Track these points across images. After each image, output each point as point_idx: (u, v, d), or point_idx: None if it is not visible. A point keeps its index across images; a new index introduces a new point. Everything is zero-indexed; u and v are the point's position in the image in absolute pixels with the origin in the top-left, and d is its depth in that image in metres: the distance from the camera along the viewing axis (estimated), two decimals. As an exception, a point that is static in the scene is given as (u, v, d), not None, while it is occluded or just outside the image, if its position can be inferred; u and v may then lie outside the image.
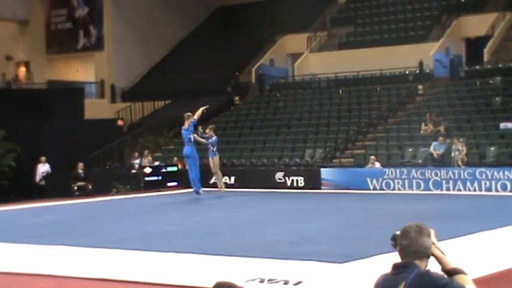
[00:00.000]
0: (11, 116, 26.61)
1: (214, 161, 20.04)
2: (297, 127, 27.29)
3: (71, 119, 28.20)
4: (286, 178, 22.78)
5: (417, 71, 27.69)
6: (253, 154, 26.17)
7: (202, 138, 19.40)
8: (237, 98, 31.97)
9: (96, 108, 32.46)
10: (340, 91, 29.12)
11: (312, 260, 8.22)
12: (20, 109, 27.49)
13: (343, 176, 22.16)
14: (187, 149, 18.75)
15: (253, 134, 27.96)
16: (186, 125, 18.71)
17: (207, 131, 19.89)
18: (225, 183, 23.22)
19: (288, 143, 26.38)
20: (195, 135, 18.66)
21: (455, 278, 3.42)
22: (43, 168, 24.77)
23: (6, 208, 17.97)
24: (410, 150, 22.82)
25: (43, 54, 37.13)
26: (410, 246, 3.50)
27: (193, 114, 19.36)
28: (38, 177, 24.68)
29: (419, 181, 20.62)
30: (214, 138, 19.82)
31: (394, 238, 3.58)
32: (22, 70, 37.70)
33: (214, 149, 19.90)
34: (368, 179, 21.39)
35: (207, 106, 20.14)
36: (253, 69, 32.96)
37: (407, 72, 28.15)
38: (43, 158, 24.69)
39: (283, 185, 22.51)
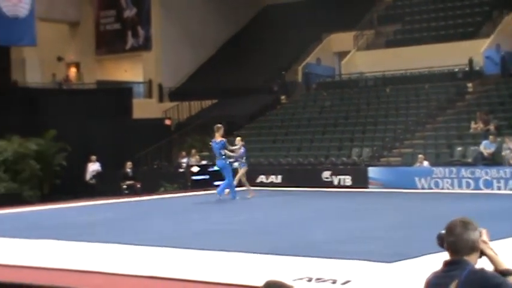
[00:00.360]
0: (62, 115, 27.08)
1: (242, 170, 19.93)
2: (344, 126, 27.17)
3: (120, 119, 28.56)
4: (333, 177, 22.71)
5: (467, 69, 27.31)
6: (300, 153, 26.15)
7: (231, 151, 19.24)
8: (283, 97, 31.96)
9: (144, 108, 32.79)
10: (388, 89, 28.88)
11: (360, 260, 8.19)
12: (70, 109, 27.95)
13: (391, 175, 22.00)
14: (219, 162, 18.78)
15: (299, 132, 27.91)
16: (216, 138, 18.56)
17: (236, 142, 19.90)
18: (272, 182, 23.34)
19: (335, 141, 26.28)
20: (225, 150, 18.54)
21: (509, 279, 3.38)
22: (93, 167, 25.13)
23: (57, 206, 18.30)
24: (459, 149, 22.53)
25: (92, 55, 37.65)
26: (457, 242, 3.46)
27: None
28: (88, 176, 25.06)
29: (469, 180, 20.35)
30: (243, 150, 19.76)
31: (439, 237, 3.56)
32: (72, 71, 38.30)
33: (243, 160, 19.87)
34: (416, 178, 21.20)
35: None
36: (300, 68, 32.91)
37: (456, 69, 27.78)
38: (93, 157, 25.05)
39: (330, 184, 22.44)
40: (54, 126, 25.00)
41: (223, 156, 18.54)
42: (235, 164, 19.57)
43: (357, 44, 32.41)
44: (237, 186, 19.42)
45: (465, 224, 3.49)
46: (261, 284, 3.23)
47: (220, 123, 19.37)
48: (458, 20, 31.18)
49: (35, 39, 27.80)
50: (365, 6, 34.97)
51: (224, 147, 18.45)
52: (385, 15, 34.14)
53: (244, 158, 19.99)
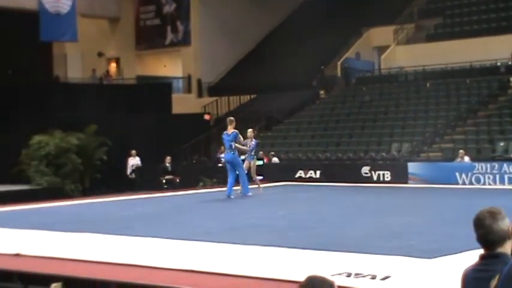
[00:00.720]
0: (103, 110, 27.39)
1: (251, 165, 19.25)
2: (383, 121, 27.00)
3: (159, 114, 28.80)
4: (373, 172, 22.58)
5: (509, 63, 26.93)
6: (339, 148, 26.06)
7: (243, 145, 18.30)
8: (322, 92, 31.88)
9: (183, 103, 33.00)
10: (428, 84, 28.62)
11: (400, 255, 8.13)
12: (110, 104, 28.28)
13: (431, 170, 21.81)
14: (228, 156, 17.93)
15: (338, 128, 27.81)
16: (228, 131, 17.89)
17: (248, 134, 19.00)
18: (311, 177, 23.27)
19: (374, 137, 26.13)
20: (236, 144, 17.79)
21: None
22: (133, 161, 25.37)
23: (98, 200, 18.50)
24: (501, 144, 22.24)
25: (132, 50, 37.98)
26: (488, 234, 3.41)
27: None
28: (128, 171, 25.31)
29: None
30: (254, 142, 19.00)
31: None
32: (113, 66, 38.69)
33: (253, 153, 19.16)
34: (457, 174, 20.98)
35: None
36: (339, 63, 32.78)
37: (498, 64, 27.41)
38: (133, 152, 25.29)
39: (369, 180, 22.33)
40: (95, 121, 25.30)
41: (234, 150, 17.78)
42: (242, 156, 18.62)
43: (396, 39, 32.16)
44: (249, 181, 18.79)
45: (493, 215, 3.44)
46: (301, 279, 3.23)
47: (232, 117, 18.83)
48: (501, 13, 30.75)
49: (76, 35, 28.17)
50: (405, 0, 34.67)
51: (236, 138, 17.75)
52: (425, 9, 33.82)
53: (254, 150, 19.25)
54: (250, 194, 18.08)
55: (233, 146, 17.80)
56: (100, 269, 7.90)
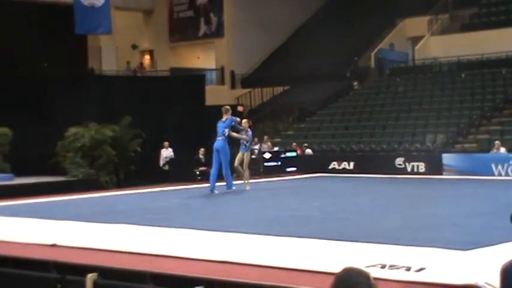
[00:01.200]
0: (137, 102, 27.54)
1: (245, 157, 18.03)
2: (417, 112, 26.81)
3: (193, 105, 28.88)
4: (407, 164, 22.45)
5: (546, 52, 26.56)
6: (373, 139, 25.94)
7: (238, 132, 17.56)
8: (355, 83, 31.75)
9: (216, 95, 33.07)
10: (463, 75, 28.34)
11: (434, 247, 8.08)
12: (145, 96, 28.42)
13: (466, 161, 21.61)
14: (218, 143, 17.02)
15: (372, 119, 27.68)
16: (223, 118, 17.10)
17: (243, 124, 17.92)
18: (344, 168, 23.20)
19: (408, 128, 25.96)
20: (233, 132, 17.10)
21: None
22: (166, 153, 25.50)
23: (133, 192, 18.66)
24: (538, 135, 21.96)
25: (166, 42, 38.16)
26: None
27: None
28: (161, 162, 25.43)
29: (548, 167, 19.84)
30: (250, 133, 18.04)
31: None
32: (146, 58, 38.92)
33: (247, 144, 17.98)
34: (493, 165, 20.77)
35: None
36: (373, 54, 32.59)
37: (535, 53, 27.06)
38: (166, 143, 25.42)
39: (403, 171, 22.21)
40: (129, 113, 25.45)
41: (225, 137, 16.92)
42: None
43: (431, 29, 31.88)
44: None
45: None
46: (336, 270, 3.23)
47: (228, 106, 18.16)
48: (538, 2, 30.30)
49: (111, 28, 28.34)
50: (440, -10, 34.34)
51: (231, 125, 16.89)
52: (461, -1, 33.46)
53: (249, 142, 18.14)
54: (234, 188, 17.31)
55: (226, 133, 16.92)
56: (135, 260, 7.97)
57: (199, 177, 23.75)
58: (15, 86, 25.90)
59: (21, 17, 30.92)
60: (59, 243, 9.23)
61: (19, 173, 22.72)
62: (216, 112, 29.42)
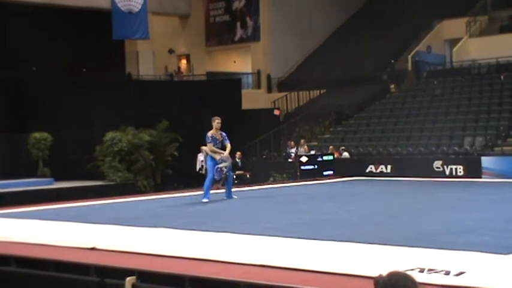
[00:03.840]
0: (174, 107, 27.74)
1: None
2: (455, 115, 26.56)
3: (229, 109, 28.99)
4: (445, 167, 22.25)
5: None
6: (410, 142, 25.75)
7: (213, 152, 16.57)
8: (392, 86, 31.58)
9: (253, 98, 33.14)
10: (502, 77, 28.02)
11: (474, 251, 8.00)
12: (182, 100, 28.63)
13: (506, 164, 21.34)
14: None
15: (409, 122, 27.48)
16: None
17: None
18: (381, 172, 23.06)
19: (446, 131, 25.72)
20: (208, 147, 16.48)
21: None
22: (203, 157, 25.60)
23: (171, 196, 18.77)
24: None
25: (203, 46, 38.37)
26: None
27: None
28: (198, 166, 25.56)
29: None
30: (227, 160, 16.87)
31: None
32: (183, 62, 39.18)
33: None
34: (533, 168, 20.48)
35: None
36: (410, 57, 32.39)
37: None
38: (203, 148, 25.51)
39: (441, 174, 22.01)
40: (167, 117, 25.64)
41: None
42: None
43: (469, 31, 31.58)
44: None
45: None
46: (374, 274, 3.22)
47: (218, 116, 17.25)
48: None
49: (148, 33, 28.64)
50: (478, -9, 34.02)
51: (215, 139, 16.52)
52: (499, 0, 33.06)
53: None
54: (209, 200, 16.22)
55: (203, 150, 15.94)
56: (173, 264, 8.02)
57: (236, 181, 23.79)
58: (53, 92, 26.27)
59: (59, 22, 31.39)
60: (98, 246, 9.33)
61: (58, 178, 23.03)
62: (253, 116, 29.67)
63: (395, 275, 3.12)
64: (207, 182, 16.45)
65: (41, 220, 12.92)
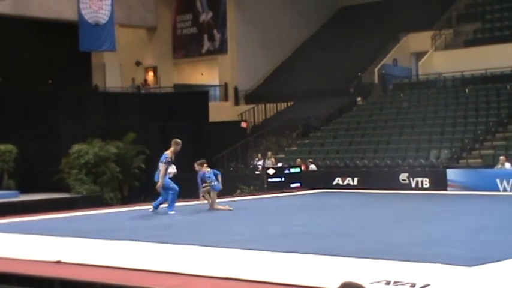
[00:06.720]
0: (141, 119, 27.59)
1: (213, 196, 17.49)
2: (421, 127, 26.78)
3: (196, 122, 28.92)
4: (411, 179, 22.41)
5: (550, 67, 26.54)
6: (376, 155, 25.90)
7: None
8: (359, 98, 31.76)
9: (220, 111, 33.11)
10: (467, 90, 28.33)
11: (439, 263, 8.05)
12: (149, 112, 28.49)
13: (471, 177, 21.54)
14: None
15: (376, 134, 27.65)
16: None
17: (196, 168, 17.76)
18: (348, 184, 23.15)
19: (412, 143, 25.92)
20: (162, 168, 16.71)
21: None
22: (170, 169, 25.44)
23: (137, 208, 18.64)
24: (542, 150, 21.90)
25: (170, 58, 38.26)
26: None
27: None
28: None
29: (554, 182, 19.76)
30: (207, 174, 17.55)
31: None
32: (150, 75, 39.02)
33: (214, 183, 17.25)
34: (498, 180, 20.71)
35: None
36: (376, 69, 32.63)
37: (539, 68, 27.05)
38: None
39: (407, 187, 22.15)
40: (133, 129, 25.48)
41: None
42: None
43: (435, 44, 31.92)
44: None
45: None
46: (336, 286, 3.21)
47: (178, 138, 17.66)
48: (541, 17, 30.34)
49: (115, 45, 28.48)
50: (443, 5, 34.42)
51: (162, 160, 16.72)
52: (464, 14, 33.52)
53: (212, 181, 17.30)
54: (152, 211, 16.58)
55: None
56: (137, 277, 7.95)
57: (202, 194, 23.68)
58: (19, 103, 25.99)
59: (26, 34, 31.09)
60: (63, 259, 9.22)
61: (24, 190, 22.74)
62: (220, 128, 29.65)
63: (347, 285, 3.13)
64: (171, 195, 16.58)
65: (5, 233, 12.74)
